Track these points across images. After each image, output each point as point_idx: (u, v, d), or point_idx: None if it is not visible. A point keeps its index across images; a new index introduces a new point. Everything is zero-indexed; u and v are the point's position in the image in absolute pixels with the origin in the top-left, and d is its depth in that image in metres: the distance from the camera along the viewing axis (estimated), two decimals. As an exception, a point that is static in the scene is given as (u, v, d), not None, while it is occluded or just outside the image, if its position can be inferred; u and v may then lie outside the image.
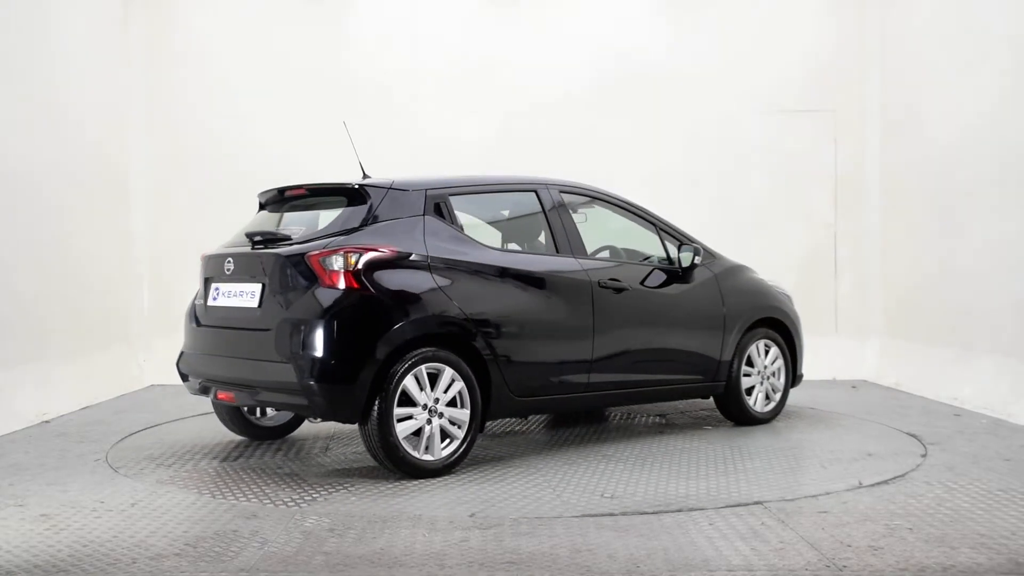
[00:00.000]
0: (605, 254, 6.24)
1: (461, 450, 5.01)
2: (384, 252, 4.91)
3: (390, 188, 5.16)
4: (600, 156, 8.74)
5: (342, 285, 4.77)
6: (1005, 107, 6.95)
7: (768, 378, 6.45)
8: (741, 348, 6.28)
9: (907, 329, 8.42)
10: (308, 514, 4.30)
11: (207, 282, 5.48)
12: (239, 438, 6.01)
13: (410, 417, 4.84)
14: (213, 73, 8.95)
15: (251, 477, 5.04)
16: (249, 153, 8.73)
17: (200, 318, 5.49)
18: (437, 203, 5.24)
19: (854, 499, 4.48)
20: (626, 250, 6.26)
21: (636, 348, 5.81)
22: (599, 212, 6.15)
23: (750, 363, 6.36)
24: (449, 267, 5.06)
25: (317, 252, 4.87)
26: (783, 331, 6.57)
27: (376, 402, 4.74)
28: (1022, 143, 6.74)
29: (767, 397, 6.47)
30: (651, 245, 6.18)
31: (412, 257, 4.98)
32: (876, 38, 8.95)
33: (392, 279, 4.90)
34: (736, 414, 6.37)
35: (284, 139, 8.70)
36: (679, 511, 4.29)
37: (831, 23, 9.09)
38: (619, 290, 5.68)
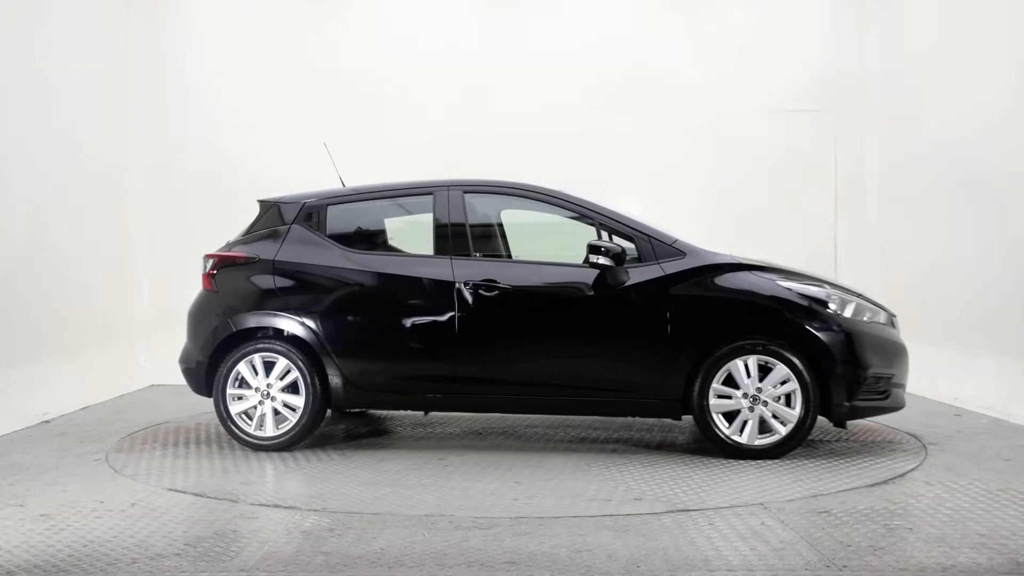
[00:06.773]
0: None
1: (295, 431, 5.61)
2: (234, 257, 5.78)
3: (276, 202, 5.92)
4: (599, 157, 8.73)
5: (203, 285, 5.88)
6: (1005, 107, 6.94)
7: (764, 403, 5.27)
8: (711, 364, 5.29)
9: (907, 329, 8.37)
10: (308, 514, 4.30)
11: None
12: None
13: (243, 398, 5.65)
14: (212, 75, 8.94)
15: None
16: (248, 154, 8.72)
17: None
18: (310, 213, 5.84)
19: (854, 499, 4.48)
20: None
21: (520, 352, 5.52)
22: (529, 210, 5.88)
23: (735, 384, 5.35)
24: (295, 270, 5.71)
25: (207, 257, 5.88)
26: (804, 349, 5.29)
27: (219, 383, 5.65)
28: (1022, 143, 6.74)
29: (765, 428, 5.31)
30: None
31: (258, 261, 5.72)
32: (876, 39, 8.94)
33: (233, 281, 5.77)
34: (716, 444, 5.35)
35: (283, 141, 8.68)
36: (679, 511, 4.30)
37: (831, 24, 9.08)
38: (495, 291, 5.47)
